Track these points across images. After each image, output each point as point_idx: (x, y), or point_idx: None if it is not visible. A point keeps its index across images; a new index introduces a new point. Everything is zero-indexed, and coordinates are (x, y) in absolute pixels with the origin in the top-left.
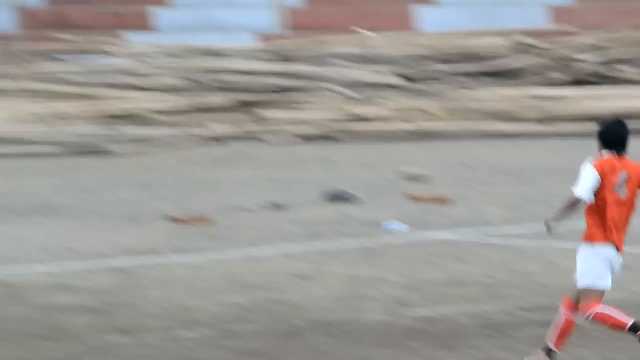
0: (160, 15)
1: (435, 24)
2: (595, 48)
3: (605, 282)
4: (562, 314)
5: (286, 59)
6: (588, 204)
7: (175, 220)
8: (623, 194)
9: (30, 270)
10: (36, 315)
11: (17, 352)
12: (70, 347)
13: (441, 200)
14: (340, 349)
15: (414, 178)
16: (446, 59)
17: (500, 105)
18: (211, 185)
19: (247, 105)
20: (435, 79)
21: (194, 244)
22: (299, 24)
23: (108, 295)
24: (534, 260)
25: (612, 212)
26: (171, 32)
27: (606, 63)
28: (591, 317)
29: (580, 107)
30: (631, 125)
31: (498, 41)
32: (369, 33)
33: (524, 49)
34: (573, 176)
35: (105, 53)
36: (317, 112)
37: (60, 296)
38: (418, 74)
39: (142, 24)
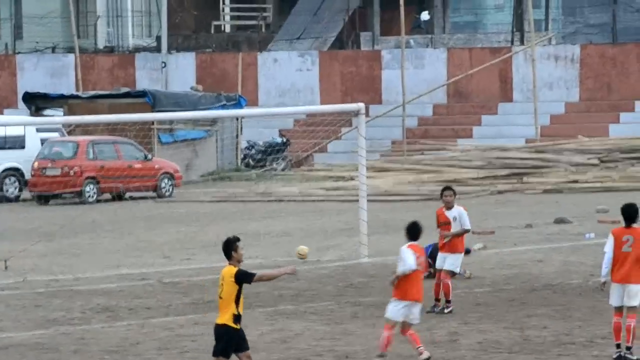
0: (475, 130)
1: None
2: None
3: None
4: None
5: (539, 151)
6: None
7: None
8: None
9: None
10: None
11: (387, 298)
12: None
13: (615, 222)
14: (557, 298)
15: (601, 211)
16: (625, 151)
17: None
18: (493, 215)
19: (517, 174)
20: (618, 161)
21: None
22: (546, 134)
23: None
24: None
25: None
26: (481, 138)
27: None
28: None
29: None
30: None
31: None
32: (584, 138)
33: None
34: None
35: (446, 150)
36: (553, 177)
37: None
38: (607, 157)
39: (468, 134)
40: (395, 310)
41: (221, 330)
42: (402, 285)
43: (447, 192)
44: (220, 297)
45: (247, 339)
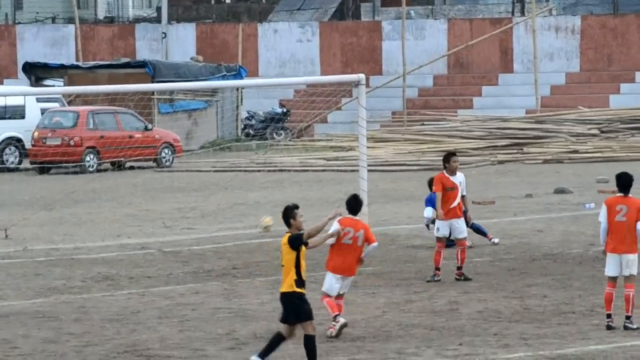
0: (475, 101)
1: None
2: None
3: None
4: None
5: (539, 121)
6: None
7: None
8: None
9: (399, 227)
10: (402, 250)
11: (386, 268)
12: (418, 267)
13: (615, 192)
14: (557, 267)
15: (601, 180)
16: (625, 121)
17: None
18: (487, 185)
19: (517, 145)
20: (618, 132)
21: (488, 214)
22: (546, 105)
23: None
24: None
25: None
26: (482, 109)
27: None
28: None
29: None
30: None
31: None
32: (585, 108)
33: None
34: None
35: (447, 120)
36: (553, 148)
37: (414, 240)
38: (608, 127)
39: (468, 105)
40: (329, 284)
41: (285, 298)
42: (332, 258)
43: (455, 158)
44: (282, 266)
45: (311, 308)
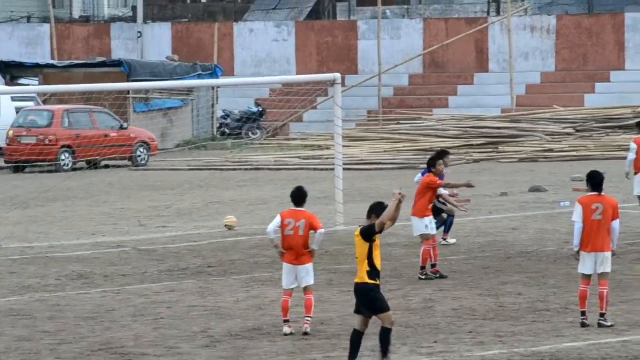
0: (450, 100)
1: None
2: None
3: None
4: None
5: (514, 120)
6: None
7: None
8: None
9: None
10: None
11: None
12: (393, 265)
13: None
14: (532, 265)
15: (576, 179)
16: (599, 120)
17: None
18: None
19: (492, 143)
20: (593, 130)
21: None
22: (521, 104)
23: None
24: None
25: None
26: (457, 108)
27: None
28: None
29: None
30: None
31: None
32: (560, 107)
33: None
34: None
35: (422, 119)
36: (528, 146)
37: (389, 238)
38: (582, 126)
39: (444, 104)
40: (283, 275)
41: (358, 289)
42: (285, 250)
43: (441, 162)
44: (356, 258)
45: (386, 300)
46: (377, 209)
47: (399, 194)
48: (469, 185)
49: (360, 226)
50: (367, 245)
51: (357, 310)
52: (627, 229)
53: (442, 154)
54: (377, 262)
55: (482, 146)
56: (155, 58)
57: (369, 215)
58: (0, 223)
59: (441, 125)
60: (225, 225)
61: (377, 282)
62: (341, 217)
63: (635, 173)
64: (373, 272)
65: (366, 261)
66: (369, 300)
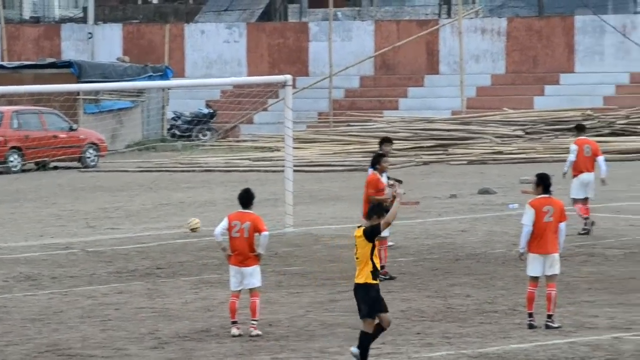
0: (401, 102)
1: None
2: None
3: None
4: None
5: (464, 123)
6: None
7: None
8: None
9: (324, 227)
10: (326, 250)
11: (311, 268)
12: (342, 267)
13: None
14: (480, 267)
15: (525, 181)
16: (549, 123)
17: None
18: (425, 184)
19: (442, 146)
20: (542, 133)
21: (413, 215)
22: (472, 106)
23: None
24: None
25: None
26: (408, 110)
27: None
28: None
29: None
30: None
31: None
32: (509, 110)
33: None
34: None
35: (372, 121)
36: (478, 149)
37: (339, 240)
38: (532, 129)
39: (394, 106)
40: (230, 277)
41: (361, 289)
42: (232, 252)
43: (387, 158)
44: (357, 258)
45: (384, 300)
46: (378, 210)
47: (398, 194)
48: (397, 180)
49: (359, 227)
50: (370, 245)
51: (368, 314)
52: (574, 230)
53: (381, 142)
54: (377, 263)
55: (432, 148)
56: (106, 59)
57: (369, 217)
58: None
59: (391, 127)
60: (191, 229)
61: (378, 282)
62: (291, 219)
63: (574, 176)
64: (376, 273)
65: (370, 262)
66: (373, 300)
